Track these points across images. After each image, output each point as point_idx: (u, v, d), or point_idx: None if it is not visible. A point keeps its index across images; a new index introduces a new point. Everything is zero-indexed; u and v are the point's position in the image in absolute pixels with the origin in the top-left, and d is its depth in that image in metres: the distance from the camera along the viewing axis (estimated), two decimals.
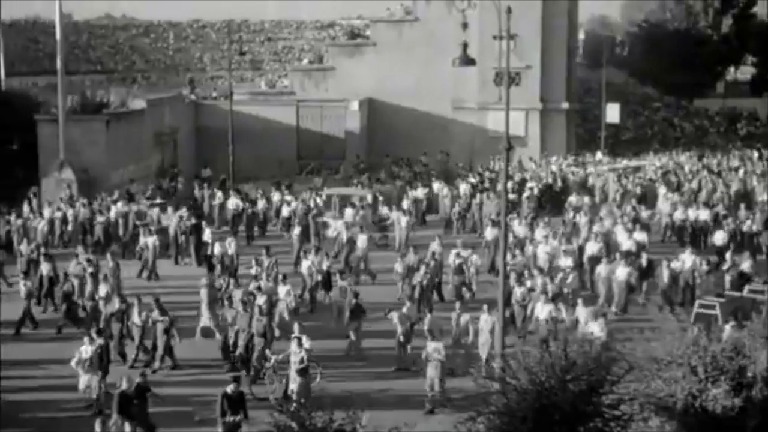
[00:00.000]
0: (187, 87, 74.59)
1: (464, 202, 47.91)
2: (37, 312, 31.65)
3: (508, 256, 33.28)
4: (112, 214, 43.24)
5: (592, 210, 44.08)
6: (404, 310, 28.50)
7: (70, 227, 43.10)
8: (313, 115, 64.86)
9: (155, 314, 26.38)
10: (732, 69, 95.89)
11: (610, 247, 36.70)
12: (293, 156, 63.98)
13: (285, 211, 44.92)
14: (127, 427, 20.96)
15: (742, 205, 44.95)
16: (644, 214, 43.02)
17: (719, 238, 39.18)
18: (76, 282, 31.58)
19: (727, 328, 24.39)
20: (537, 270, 32.74)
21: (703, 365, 18.05)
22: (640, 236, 37.74)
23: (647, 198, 47.86)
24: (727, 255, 34.65)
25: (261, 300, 28.14)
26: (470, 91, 63.52)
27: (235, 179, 54.53)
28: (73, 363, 23.52)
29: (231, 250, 36.89)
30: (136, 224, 42.04)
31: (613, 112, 71.14)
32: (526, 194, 47.81)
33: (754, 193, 48.72)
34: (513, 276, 31.23)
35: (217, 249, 37.31)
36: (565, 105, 65.26)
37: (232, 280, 32.11)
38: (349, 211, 44.10)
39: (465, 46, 29.26)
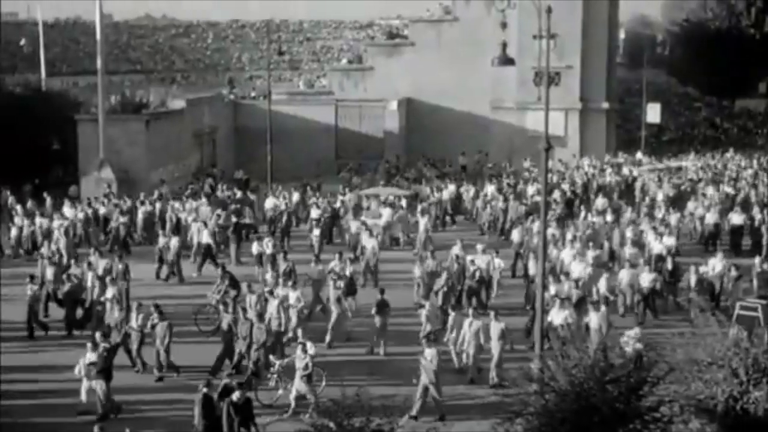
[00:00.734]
0: (226, 87, 74.86)
1: (491, 203, 47.19)
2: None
3: (531, 261, 33.08)
4: (140, 214, 43.32)
5: (622, 213, 43.30)
6: (428, 307, 28.38)
7: (83, 228, 42.49)
8: (351, 115, 64.83)
9: (153, 319, 25.76)
10: None
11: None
12: (331, 156, 63.99)
13: (314, 213, 44.26)
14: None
15: None
16: (673, 217, 42.22)
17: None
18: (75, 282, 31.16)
19: None
20: (564, 275, 31.69)
21: (745, 367, 17.77)
22: (669, 240, 37.08)
23: (683, 199, 47.11)
24: (756, 260, 33.90)
25: (273, 305, 27.62)
26: (509, 90, 63.23)
27: (274, 179, 54.51)
28: (76, 371, 23.21)
29: (269, 250, 36.83)
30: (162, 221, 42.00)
31: (653, 112, 70.64)
32: (553, 197, 46.86)
33: None
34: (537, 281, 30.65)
35: (254, 249, 37.28)
36: (605, 105, 64.83)
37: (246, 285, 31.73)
38: (386, 211, 43.94)
39: (504, 45, 29.02)
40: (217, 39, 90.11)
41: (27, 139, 55.54)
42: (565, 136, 62.37)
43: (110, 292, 29.08)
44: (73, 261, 33.26)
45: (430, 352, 23.64)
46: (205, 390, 20.66)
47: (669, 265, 33.12)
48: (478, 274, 32.19)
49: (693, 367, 18.23)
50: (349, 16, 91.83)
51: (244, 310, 26.93)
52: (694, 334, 19.62)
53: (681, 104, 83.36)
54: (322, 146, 63.42)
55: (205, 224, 39.80)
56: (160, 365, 25.64)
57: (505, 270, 34.79)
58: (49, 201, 45.87)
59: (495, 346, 25.52)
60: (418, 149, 63.58)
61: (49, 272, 32.29)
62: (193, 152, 58.81)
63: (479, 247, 34.59)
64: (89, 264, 32.67)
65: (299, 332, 25.87)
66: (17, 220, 41.84)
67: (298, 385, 23.01)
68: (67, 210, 43.32)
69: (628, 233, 38.07)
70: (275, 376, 23.90)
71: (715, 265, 32.70)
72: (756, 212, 41.91)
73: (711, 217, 42.00)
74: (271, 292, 28.64)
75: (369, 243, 36.70)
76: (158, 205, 44.11)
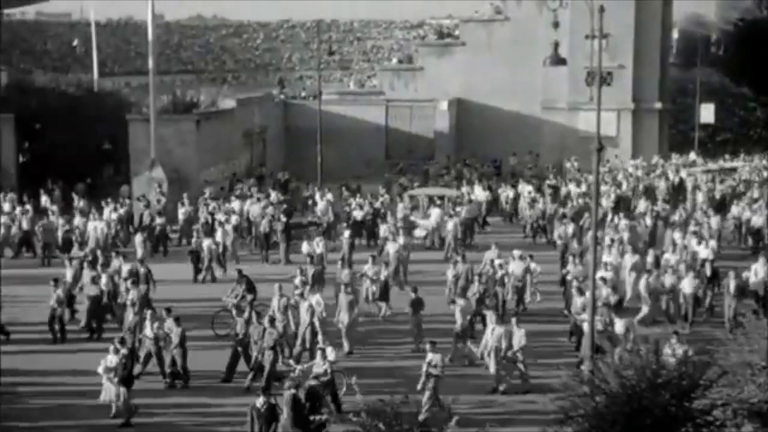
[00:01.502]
0: (277, 87, 75.02)
1: (532, 205, 46.60)
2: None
3: (570, 264, 32.64)
4: (180, 215, 43.34)
5: (669, 216, 42.56)
6: (462, 304, 28.29)
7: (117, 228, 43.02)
8: (401, 115, 64.74)
9: (168, 326, 25.66)
10: None
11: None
12: (381, 156, 63.93)
13: (357, 214, 44.05)
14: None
15: None
16: (713, 220, 41.23)
17: None
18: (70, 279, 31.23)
19: None
20: (601, 280, 30.46)
21: None
22: (710, 244, 36.24)
23: (732, 202, 46.15)
24: None
25: (303, 308, 27.48)
26: (561, 91, 62.76)
27: (324, 179, 54.53)
28: (100, 369, 23.30)
29: (319, 249, 36.82)
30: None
31: (707, 113, 69.85)
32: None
33: None
34: (574, 285, 29.92)
35: (305, 248, 37.28)
36: (658, 105, 64.18)
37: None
38: (435, 212, 43.76)
39: (556, 45, 28.84)
40: (267, 39, 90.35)
41: (79, 138, 55.98)
42: (617, 136, 61.75)
43: (130, 296, 29.02)
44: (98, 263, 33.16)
45: (435, 358, 23.41)
46: (293, 391, 20.68)
47: (708, 271, 32.58)
48: (507, 280, 31.89)
49: (746, 370, 17.97)
50: (399, 16, 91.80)
51: (258, 314, 26.53)
52: (747, 337, 19.35)
53: (735, 104, 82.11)
54: (372, 146, 63.39)
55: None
56: (172, 373, 25.50)
57: (543, 273, 34.04)
58: (78, 201, 45.98)
59: (519, 353, 25.28)
60: (468, 150, 63.33)
61: (69, 274, 32.02)
62: (243, 152, 58.98)
63: (516, 252, 33.81)
64: (106, 266, 32.77)
65: (320, 337, 25.60)
66: (52, 219, 42.13)
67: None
68: (105, 210, 43.48)
69: (677, 237, 37.47)
70: (292, 382, 23.56)
71: (758, 269, 31.87)
72: None
73: (757, 221, 41.27)
74: (302, 295, 28.44)
75: (392, 247, 36.27)
76: (209, 206, 44.28)
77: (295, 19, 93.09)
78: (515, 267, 32.90)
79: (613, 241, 36.16)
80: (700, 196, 47.34)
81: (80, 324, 30.33)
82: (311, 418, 20.74)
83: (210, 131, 53.50)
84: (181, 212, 43.80)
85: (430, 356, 23.52)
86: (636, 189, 50.32)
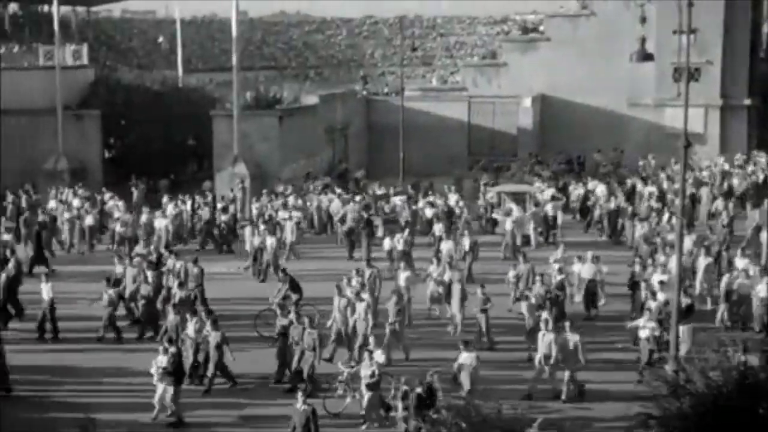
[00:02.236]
0: (359, 83, 75.00)
1: (601, 204, 45.59)
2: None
3: (638, 267, 31.59)
4: (254, 212, 43.25)
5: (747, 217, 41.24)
6: (532, 300, 27.88)
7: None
8: (484, 111, 64.26)
9: (207, 328, 25.33)
10: None
11: None
12: (464, 152, 63.55)
13: (429, 213, 43.59)
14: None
15: None
16: None
17: None
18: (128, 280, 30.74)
19: None
20: (659, 284, 29.42)
21: None
22: None
23: None
24: None
25: (361, 308, 27.05)
26: (647, 87, 61.75)
27: (405, 175, 54.38)
28: (152, 371, 23.16)
29: (400, 246, 36.64)
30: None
31: None
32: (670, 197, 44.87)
33: None
34: (645, 289, 29.11)
35: (386, 244, 37.14)
36: (747, 101, 62.80)
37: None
38: (516, 208, 43.29)
39: (643, 40, 28.55)
40: (350, 35, 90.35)
41: (164, 134, 56.66)
42: (705, 133, 60.55)
43: (177, 296, 28.93)
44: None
45: (468, 356, 22.93)
46: (418, 390, 20.63)
47: None
48: (567, 283, 30.92)
49: None
50: (483, 12, 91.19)
51: (299, 315, 26.01)
52: None
53: None
54: (455, 143, 63.04)
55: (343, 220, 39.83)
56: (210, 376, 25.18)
57: (611, 274, 32.83)
58: (137, 196, 46.19)
59: (569, 357, 24.52)
60: (552, 146, 62.64)
61: (131, 272, 31.54)
62: (325, 148, 59.06)
63: (588, 254, 32.65)
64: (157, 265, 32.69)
65: (371, 339, 25.18)
66: (117, 215, 42.35)
67: (363, 394, 22.46)
68: (168, 207, 43.57)
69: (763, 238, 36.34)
70: (343, 384, 23.28)
71: None
72: None
73: None
74: (358, 294, 27.93)
75: (444, 246, 35.81)
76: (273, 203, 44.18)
77: (378, 16, 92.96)
78: (586, 269, 31.93)
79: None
80: None
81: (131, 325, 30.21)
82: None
83: (292, 127, 53.67)
84: (254, 208, 43.82)
85: (465, 354, 23.16)
86: (719, 187, 49.05)
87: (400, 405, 20.54)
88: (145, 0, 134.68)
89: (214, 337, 24.83)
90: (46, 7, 79.51)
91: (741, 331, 28.45)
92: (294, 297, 29.91)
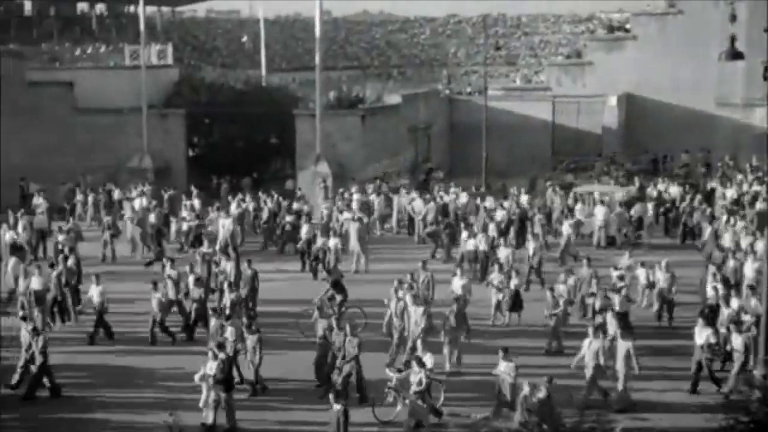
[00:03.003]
0: (442, 82, 74.65)
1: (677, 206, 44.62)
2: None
3: (709, 275, 30.57)
4: (325, 211, 43.07)
5: None
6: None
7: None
8: (568, 111, 63.54)
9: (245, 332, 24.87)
10: None
11: None
12: (547, 152, 62.94)
13: (499, 215, 42.97)
14: None
15: None
16: None
17: None
18: (170, 284, 30.05)
19: None
20: (749, 289, 28.48)
21: None
22: None
23: None
24: None
25: (418, 315, 26.38)
26: (736, 86, 60.63)
27: (488, 175, 53.92)
28: (196, 378, 22.79)
29: (482, 246, 36.23)
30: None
31: None
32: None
33: None
34: (719, 294, 28.01)
35: (470, 245, 36.75)
36: None
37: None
38: (601, 210, 42.62)
39: (733, 39, 27.72)
40: (433, 34, 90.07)
41: (247, 133, 56.84)
42: None
43: (227, 299, 28.69)
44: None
45: (506, 366, 22.31)
46: (541, 395, 20.27)
47: None
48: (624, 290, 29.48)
49: None
50: (568, 10, 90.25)
51: (339, 320, 25.47)
52: None
53: None
54: (538, 143, 62.47)
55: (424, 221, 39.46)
56: (253, 380, 24.79)
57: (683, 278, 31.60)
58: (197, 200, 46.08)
59: (621, 367, 23.65)
60: (638, 146, 61.83)
61: (172, 273, 30.96)
62: (407, 147, 58.82)
63: (663, 262, 31.33)
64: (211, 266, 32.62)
65: (419, 344, 24.57)
66: (184, 214, 42.34)
67: (411, 401, 21.94)
68: (231, 206, 43.44)
69: None
70: (392, 391, 22.74)
71: None
72: None
73: None
74: (415, 296, 27.42)
75: (503, 253, 34.80)
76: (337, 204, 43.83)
77: (462, 14, 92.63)
78: (660, 278, 30.77)
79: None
80: None
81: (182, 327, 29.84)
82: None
83: (375, 127, 53.56)
84: (324, 208, 43.62)
85: (504, 364, 22.47)
86: None
87: (519, 410, 19.84)
88: (229, 0, 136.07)
89: (251, 341, 24.42)
90: (132, 8, 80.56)
91: None
92: (338, 298, 29.76)
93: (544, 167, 58.90)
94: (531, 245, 35.80)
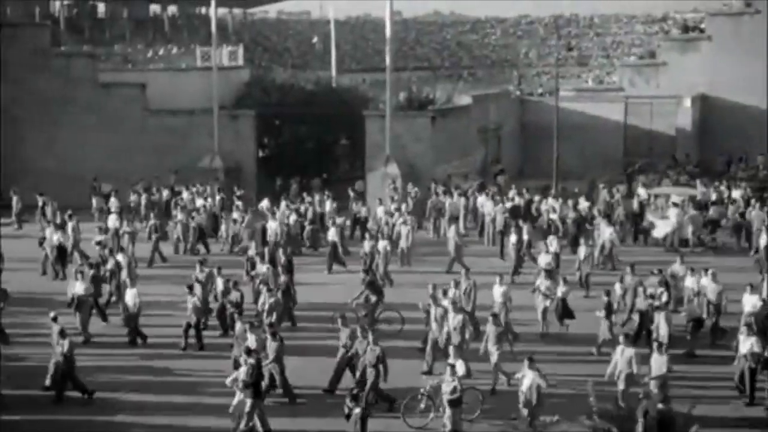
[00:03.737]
0: (513, 83, 74.22)
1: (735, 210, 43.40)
2: None
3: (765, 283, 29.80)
4: (379, 212, 42.68)
5: None
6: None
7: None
8: (641, 112, 62.69)
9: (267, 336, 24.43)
10: None
11: None
12: (619, 154, 62.15)
13: (553, 216, 41.96)
14: None
15: None
16: None
17: None
18: (198, 288, 29.68)
19: None
20: None
21: None
22: None
23: None
24: None
25: (454, 322, 25.71)
26: None
27: (559, 177, 53.39)
28: (228, 381, 22.59)
29: (552, 248, 35.76)
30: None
31: None
32: None
33: None
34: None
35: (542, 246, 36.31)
36: None
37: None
38: (674, 212, 41.94)
39: None
40: (504, 35, 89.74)
41: (317, 134, 56.91)
42: None
43: (266, 302, 28.37)
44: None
45: (531, 374, 21.57)
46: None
47: None
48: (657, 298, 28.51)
49: None
50: (642, 10, 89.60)
51: (363, 329, 24.70)
52: None
53: None
54: (610, 144, 61.71)
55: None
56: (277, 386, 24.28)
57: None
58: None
59: (654, 382, 22.71)
60: (713, 148, 60.80)
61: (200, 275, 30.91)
62: (478, 148, 58.48)
63: (710, 271, 30.07)
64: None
65: (451, 351, 24.03)
66: (235, 215, 42.24)
67: (444, 410, 21.41)
68: (282, 208, 43.14)
69: None
70: (425, 398, 22.34)
71: None
72: None
73: None
74: (454, 303, 26.79)
75: (543, 259, 33.70)
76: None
77: (534, 15, 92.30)
78: (709, 288, 29.53)
79: None
80: None
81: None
82: None
83: (445, 127, 53.31)
84: (379, 210, 43.33)
85: (531, 374, 21.78)
86: None
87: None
88: (300, 0, 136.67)
89: (272, 348, 24.01)
90: (203, 9, 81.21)
91: None
92: (373, 299, 29.49)
93: (616, 169, 58.16)
94: (582, 251, 35.14)
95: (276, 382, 24.26)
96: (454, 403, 21.20)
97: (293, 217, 41.98)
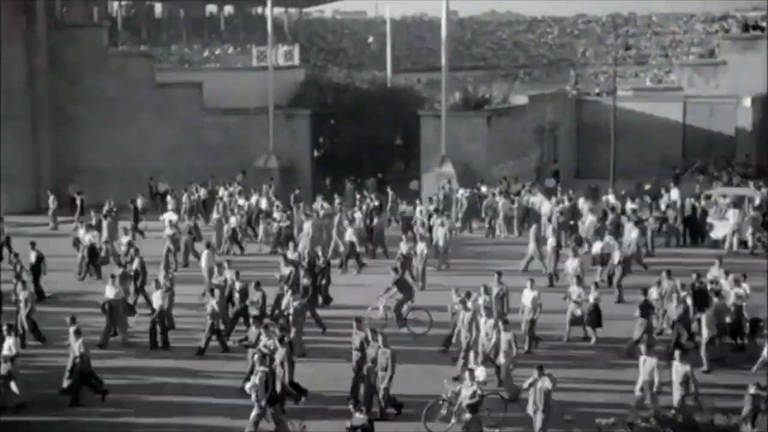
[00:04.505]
0: (570, 83, 73.73)
1: None
2: None
3: None
4: (417, 216, 42.23)
5: None
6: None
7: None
8: (700, 112, 62.03)
9: (271, 343, 23.87)
10: None
11: None
12: (677, 154, 61.44)
13: (588, 220, 41.34)
14: None
15: None
16: None
17: None
18: (217, 290, 29.13)
19: None
20: None
21: None
22: None
23: None
24: None
25: (488, 327, 25.05)
26: None
27: (616, 177, 52.87)
28: (247, 387, 22.25)
29: (614, 250, 35.35)
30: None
31: None
32: None
33: None
34: None
35: (596, 248, 35.91)
36: None
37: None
38: (733, 213, 41.33)
39: None
40: (561, 34, 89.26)
41: (372, 134, 56.84)
42: None
43: (290, 305, 27.86)
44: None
45: (545, 380, 21.06)
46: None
47: None
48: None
49: None
50: (701, 9, 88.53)
51: (374, 331, 23.86)
52: None
53: None
54: (668, 144, 61.04)
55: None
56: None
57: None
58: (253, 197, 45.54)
59: (676, 390, 22.10)
60: None
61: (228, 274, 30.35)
62: (533, 148, 58.14)
63: (742, 276, 29.39)
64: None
65: (471, 356, 23.66)
66: (276, 215, 42.10)
67: (463, 416, 20.99)
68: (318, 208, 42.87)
69: None
70: (446, 403, 21.90)
71: None
72: None
73: None
74: (487, 308, 26.29)
75: (571, 264, 32.53)
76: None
77: (591, 14, 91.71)
78: (744, 290, 28.78)
79: None
80: None
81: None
82: None
83: (500, 127, 53.09)
84: (418, 211, 42.98)
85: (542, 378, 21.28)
86: None
87: None
88: (356, 0, 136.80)
89: (279, 354, 23.51)
90: (259, 9, 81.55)
91: None
92: (399, 297, 29.29)
93: (674, 169, 57.51)
94: (616, 255, 34.53)
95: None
96: (473, 408, 20.87)
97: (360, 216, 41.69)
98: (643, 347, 23.24)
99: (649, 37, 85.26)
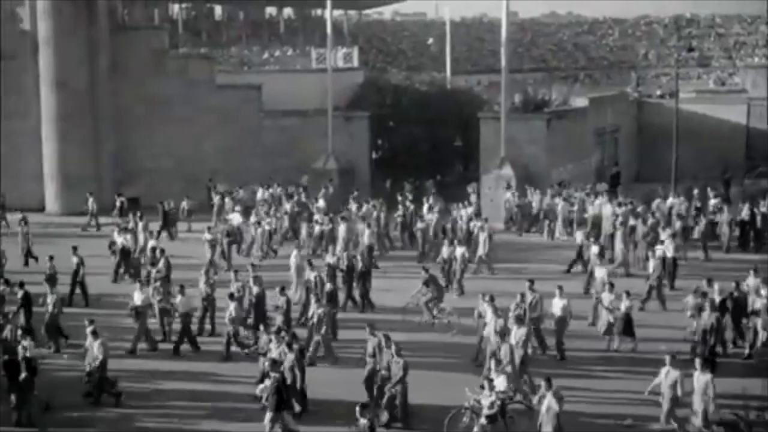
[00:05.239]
0: (631, 85, 72.98)
1: None
2: None
3: None
4: (464, 216, 41.74)
5: None
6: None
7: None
8: (764, 114, 61.04)
9: (283, 347, 23.46)
10: None
11: None
12: (740, 157, 60.57)
13: (634, 223, 40.35)
14: None
15: None
16: None
17: None
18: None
19: None
20: None
21: None
22: None
23: None
24: None
25: (519, 336, 24.48)
26: None
27: (678, 179, 52.19)
28: (257, 390, 22.12)
29: (669, 253, 34.78)
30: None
31: None
32: None
33: None
34: None
35: (659, 252, 35.34)
36: None
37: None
38: None
39: None
40: (623, 36, 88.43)
41: (431, 136, 56.62)
42: None
43: (315, 313, 27.35)
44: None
45: (551, 400, 20.24)
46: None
47: None
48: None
49: None
50: (765, 10, 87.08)
51: (388, 338, 23.36)
52: None
53: None
54: (731, 147, 60.18)
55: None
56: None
57: None
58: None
59: (697, 402, 21.20)
60: None
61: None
62: (594, 151, 57.56)
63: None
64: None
65: (492, 364, 23.15)
66: (317, 217, 41.80)
67: (482, 425, 20.57)
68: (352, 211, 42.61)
69: None
70: (468, 411, 21.42)
71: None
72: None
73: None
74: (518, 317, 25.78)
75: (599, 273, 31.71)
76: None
77: (653, 16, 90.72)
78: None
79: None
80: None
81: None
82: None
83: (561, 130, 52.54)
84: (464, 213, 42.58)
85: (549, 395, 20.54)
86: None
87: None
88: (415, 1, 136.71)
89: (288, 360, 23.16)
90: (319, 11, 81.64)
91: None
92: (430, 296, 29.08)
93: (736, 172, 56.71)
94: (651, 262, 33.70)
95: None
96: (492, 419, 20.61)
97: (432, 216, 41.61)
98: (667, 358, 22.14)
99: (712, 39, 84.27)
